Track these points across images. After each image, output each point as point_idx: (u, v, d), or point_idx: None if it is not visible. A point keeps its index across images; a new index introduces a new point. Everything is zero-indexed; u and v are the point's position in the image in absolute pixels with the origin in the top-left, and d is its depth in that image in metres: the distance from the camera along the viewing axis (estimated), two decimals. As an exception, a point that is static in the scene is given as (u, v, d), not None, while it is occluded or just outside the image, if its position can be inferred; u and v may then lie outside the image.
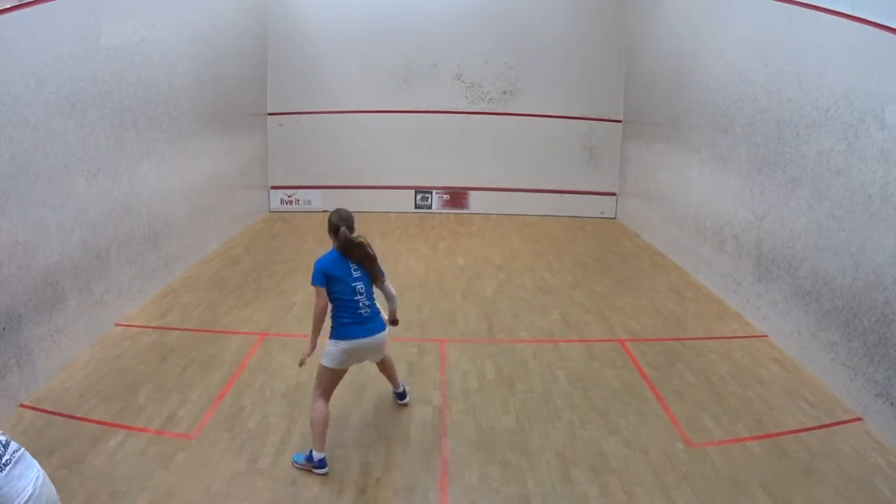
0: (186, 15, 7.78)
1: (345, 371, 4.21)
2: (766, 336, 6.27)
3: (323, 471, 4.01)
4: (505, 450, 4.30)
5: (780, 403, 4.98)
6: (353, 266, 4.11)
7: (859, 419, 4.75)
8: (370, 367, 5.44)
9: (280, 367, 5.42)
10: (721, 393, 5.14)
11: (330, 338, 4.10)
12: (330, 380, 4.14)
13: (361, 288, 4.11)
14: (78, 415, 4.57)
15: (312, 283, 4.07)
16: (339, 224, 4.15)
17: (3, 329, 4.55)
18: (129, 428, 4.42)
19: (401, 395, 4.86)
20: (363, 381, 5.14)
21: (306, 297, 7.13)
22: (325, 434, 4.07)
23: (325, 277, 4.05)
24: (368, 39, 11.26)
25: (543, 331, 6.39)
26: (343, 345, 4.06)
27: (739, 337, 6.30)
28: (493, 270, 8.37)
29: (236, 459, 4.12)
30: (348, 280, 4.07)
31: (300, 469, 4.06)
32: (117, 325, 6.15)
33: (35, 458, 3.99)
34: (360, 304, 4.09)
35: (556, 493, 3.87)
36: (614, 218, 11.72)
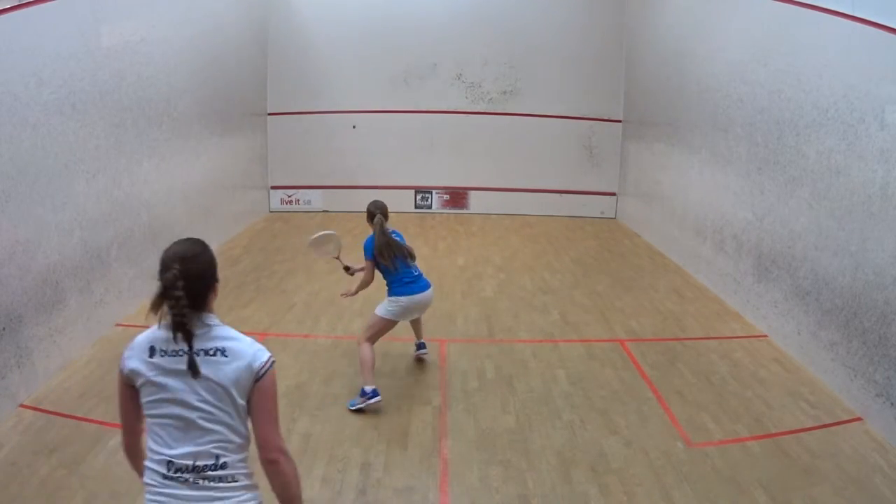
0: (186, 15, 7.79)
1: (395, 323, 4.98)
2: (766, 336, 6.27)
3: (378, 398, 4.69)
4: (505, 450, 4.30)
5: (780, 403, 4.98)
6: (397, 238, 4.98)
7: (859, 419, 4.75)
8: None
9: (280, 367, 5.38)
10: (721, 393, 5.14)
11: (389, 296, 4.92)
12: (381, 329, 4.93)
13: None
14: (78, 415, 4.57)
15: (367, 258, 4.92)
16: (375, 211, 4.96)
17: (3, 329, 4.55)
18: (129, 428, 4.42)
19: (421, 346, 5.57)
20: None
21: (306, 298, 7.15)
22: (373, 370, 4.80)
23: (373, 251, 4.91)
24: (368, 39, 11.28)
25: (543, 331, 6.39)
26: (402, 300, 4.86)
27: (739, 337, 6.30)
28: (493, 270, 8.37)
29: (236, 459, 4.11)
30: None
31: (360, 409, 4.69)
32: (117, 325, 6.14)
33: (35, 457, 4.01)
34: (411, 265, 4.97)
35: (556, 493, 3.87)
36: (614, 218, 11.73)
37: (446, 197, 11.90)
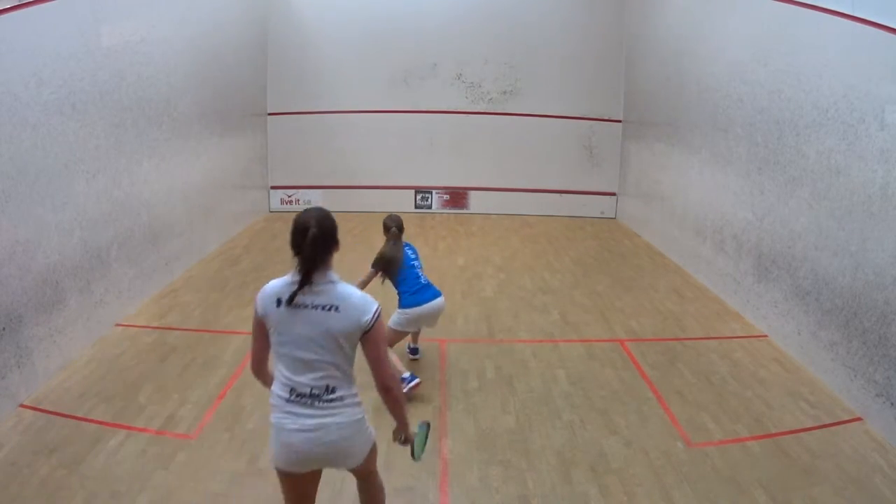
0: (186, 15, 7.78)
1: (407, 333, 5.20)
2: (766, 336, 6.27)
3: (416, 381, 4.85)
4: (505, 450, 4.30)
5: (780, 403, 4.98)
6: (409, 250, 5.14)
7: (859, 419, 4.75)
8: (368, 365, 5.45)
9: (280, 367, 5.42)
10: (721, 393, 5.14)
11: (399, 307, 4.99)
12: (394, 339, 5.04)
13: (418, 265, 5.13)
14: (78, 415, 4.57)
15: (371, 267, 5.01)
16: (391, 225, 5.10)
17: (3, 329, 4.55)
18: (129, 428, 4.42)
19: (415, 350, 5.60)
20: (363, 381, 5.14)
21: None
22: (399, 361, 4.87)
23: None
24: (368, 39, 11.28)
25: (543, 331, 6.39)
26: (411, 312, 4.97)
27: (739, 337, 6.30)
28: (493, 270, 8.37)
29: (236, 459, 4.12)
30: (406, 262, 5.05)
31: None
32: (117, 325, 6.14)
33: (35, 457, 4.02)
34: (420, 275, 5.08)
35: (556, 493, 3.87)
36: (614, 218, 11.73)
37: (446, 197, 11.90)
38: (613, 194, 11.77)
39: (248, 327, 6.77)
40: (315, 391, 2.59)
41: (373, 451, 2.90)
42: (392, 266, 5.01)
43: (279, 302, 2.60)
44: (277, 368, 2.65)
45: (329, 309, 2.56)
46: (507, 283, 7.82)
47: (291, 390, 2.61)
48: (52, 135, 5.18)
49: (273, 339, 2.62)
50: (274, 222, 10.82)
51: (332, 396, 2.62)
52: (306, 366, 2.58)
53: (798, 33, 5.94)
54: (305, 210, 2.68)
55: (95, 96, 5.80)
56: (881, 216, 4.69)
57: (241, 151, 10.30)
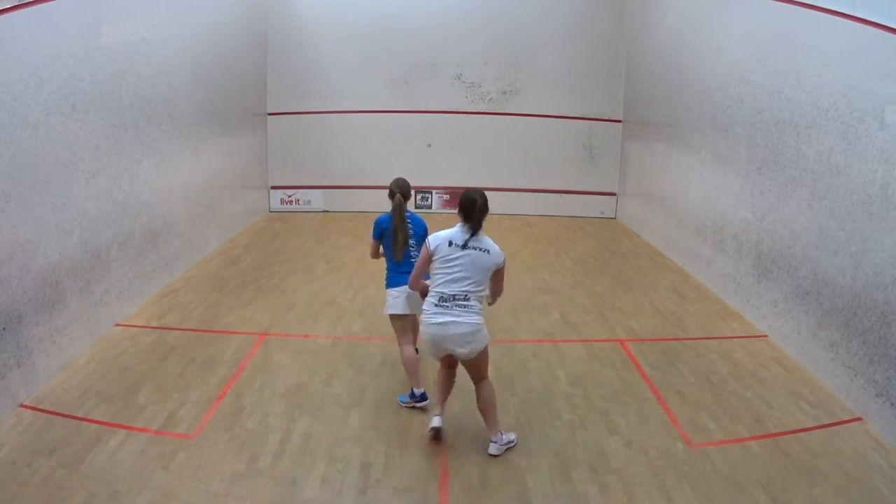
0: (186, 15, 7.78)
1: (405, 317, 4.76)
2: (766, 336, 6.27)
3: (425, 402, 4.68)
4: (505, 450, 4.29)
5: (780, 403, 4.98)
6: (408, 224, 4.77)
7: (859, 419, 4.75)
8: (370, 365, 5.44)
9: (280, 367, 5.42)
10: (721, 393, 5.13)
11: (386, 287, 4.79)
12: (397, 327, 4.81)
13: (412, 242, 4.76)
14: (78, 415, 4.56)
15: (373, 238, 4.86)
16: (395, 190, 4.78)
17: (3, 329, 4.55)
18: (129, 428, 4.42)
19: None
20: (363, 381, 5.15)
21: (306, 297, 7.15)
22: (418, 372, 4.76)
23: (380, 231, 4.81)
24: (368, 39, 11.27)
25: (543, 331, 6.38)
26: (389, 292, 4.74)
27: (739, 337, 6.30)
28: (493, 270, 8.35)
29: (236, 459, 4.12)
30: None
31: (407, 406, 4.74)
32: (117, 325, 6.14)
33: (35, 457, 4.02)
34: (411, 255, 4.70)
35: (556, 493, 3.87)
36: (614, 218, 11.72)
37: (446, 197, 11.89)
38: (613, 194, 11.77)
39: (248, 328, 6.83)
40: (457, 297, 3.99)
41: (485, 353, 4.15)
42: (384, 234, 4.67)
43: (450, 243, 4.02)
44: (435, 284, 4.06)
45: (483, 251, 4.03)
46: (507, 283, 7.71)
47: (441, 297, 4.01)
48: (52, 135, 5.18)
49: (438, 264, 4.03)
50: (274, 222, 10.82)
51: (465, 303, 4.00)
52: (457, 281, 4.00)
53: (798, 33, 5.94)
54: (472, 189, 4.11)
55: (95, 96, 5.80)
56: (881, 216, 4.69)
57: (241, 151, 10.30)
